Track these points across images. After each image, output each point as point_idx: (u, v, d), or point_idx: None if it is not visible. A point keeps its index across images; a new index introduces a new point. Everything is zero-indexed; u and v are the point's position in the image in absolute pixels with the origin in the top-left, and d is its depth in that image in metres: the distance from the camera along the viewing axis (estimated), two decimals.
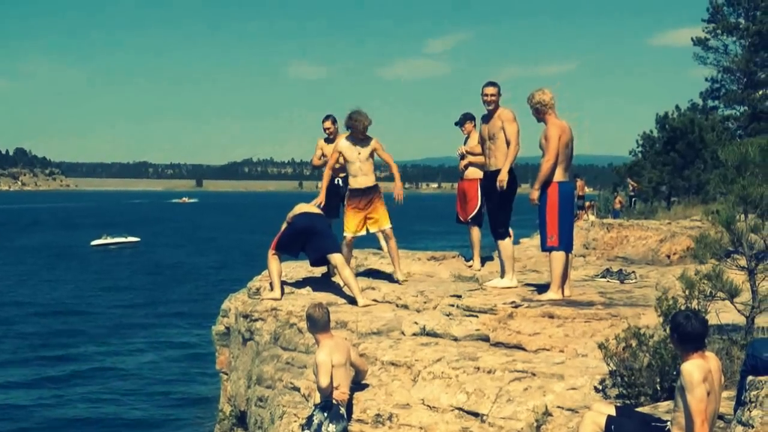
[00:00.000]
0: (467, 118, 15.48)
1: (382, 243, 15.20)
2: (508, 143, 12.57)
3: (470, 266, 15.92)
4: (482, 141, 13.12)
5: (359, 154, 13.84)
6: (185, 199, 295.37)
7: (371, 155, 13.96)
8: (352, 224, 13.88)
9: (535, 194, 11.81)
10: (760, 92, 47.34)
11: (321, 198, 14.12)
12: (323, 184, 14.24)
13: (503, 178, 12.48)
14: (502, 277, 13.14)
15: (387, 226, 14.04)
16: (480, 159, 14.39)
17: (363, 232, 14.05)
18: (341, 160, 14.00)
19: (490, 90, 12.74)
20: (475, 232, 15.60)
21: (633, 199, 41.30)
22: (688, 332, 6.95)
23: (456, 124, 15.63)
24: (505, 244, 12.92)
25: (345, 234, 13.91)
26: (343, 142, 13.91)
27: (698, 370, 6.77)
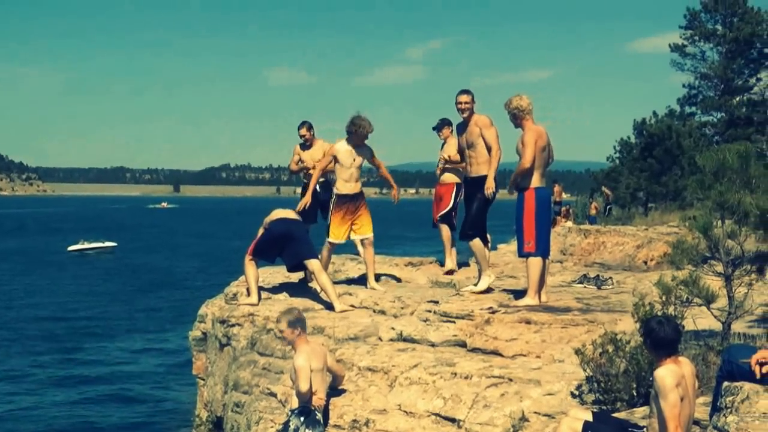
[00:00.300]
0: (445, 123, 15.49)
1: (360, 249, 15.19)
2: (489, 149, 12.54)
3: (443, 268, 15.94)
4: (461, 150, 13.10)
5: (354, 160, 13.88)
6: (164, 204, 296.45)
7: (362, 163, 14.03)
8: (339, 231, 13.94)
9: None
10: (737, 99, 47.59)
11: (307, 199, 14.08)
12: (311, 185, 14.16)
13: (491, 186, 12.47)
14: (478, 279, 13.12)
15: (370, 234, 14.10)
16: (458, 164, 14.45)
17: (345, 239, 14.12)
18: (331, 163, 13.99)
19: (464, 98, 12.71)
20: (445, 231, 15.58)
21: (608, 207, 41.43)
22: (660, 338, 6.97)
23: (434, 129, 15.64)
24: (475, 244, 12.81)
25: (330, 240, 13.92)
26: (341, 145, 13.87)
27: (671, 375, 6.78)
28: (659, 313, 8.69)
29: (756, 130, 43.48)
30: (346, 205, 13.89)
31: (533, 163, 11.73)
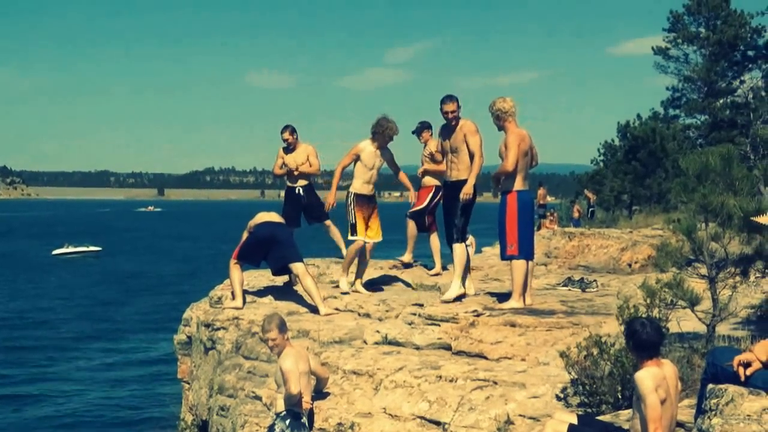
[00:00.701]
0: (425, 126, 15.43)
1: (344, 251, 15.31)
2: (471, 155, 12.46)
3: (400, 260, 15.99)
4: (444, 152, 13.05)
5: (376, 162, 13.95)
6: (151, 208, 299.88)
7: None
8: (362, 228, 13.97)
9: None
10: (721, 101, 47.66)
11: (332, 198, 14.35)
12: (334, 183, 14.19)
13: (468, 192, 12.39)
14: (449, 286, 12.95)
15: (379, 239, 14.20)
16: (439, 168, 14.47)
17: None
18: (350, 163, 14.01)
19: (450, 107, 12.54)
20: (411, 227, 15.59)
21: (591, 210, 41.45)
22: (643, 340, 6.99)
23: (413, 132, 15.57)
24: (457, 248, 12.70)
25: (359, 237, 13.89)
26: (366, 145, 13.83)
27: (651, 378, 6.80)
28: (644, 316, 8.71)
29: (740, 132, 43.52)
30: (365, 206, 13.93)
31: (516, 166, 11.76)
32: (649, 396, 6.73)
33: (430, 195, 15.24)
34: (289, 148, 15.52)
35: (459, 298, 12.67)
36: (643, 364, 7.00)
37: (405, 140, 14.95)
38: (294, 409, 9.47)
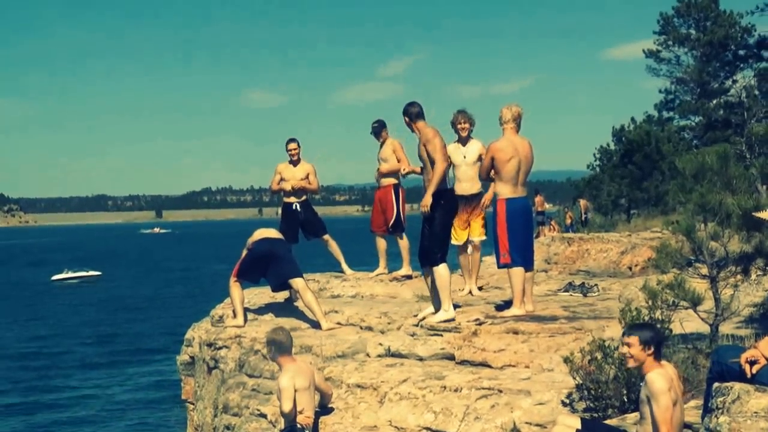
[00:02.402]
0: (383, 126, 15.32)
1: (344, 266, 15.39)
2: (433, 163, 11.75)
3: (399, 275, 15.83)
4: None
5: (465, 157, 13.71)
6: (157, 230, 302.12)
7: (479, 159, 13.41)
8: (457, 233, 13.88)
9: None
10: (714, 102, 47.74)
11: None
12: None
13: (425, 203, 11.72)
14: (436, 309, 12.16)
15: (479, 238, 14.15)
16: (395, 167, 14.88)
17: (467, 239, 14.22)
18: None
19: (405, 119, 12.02)
20: (402, 240, 15.52)
21: (585, 217, 41.46)
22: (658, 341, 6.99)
23: (372, 133, 15.42)
24: (440, 271, 11.82)
25: (453, 242, 13.59)
26: (449, 145, 13.11)
27: (663, 378, 6.77)
28: (646, 318, 8.71)
29: (734, 132, 43.50)
30: (462, 207, 13.49)
31: (499, 174, 11.78)
32: (663, 397, 6.69)
33: (393, 197, 15.20)
34: (293, 161, 15.46)
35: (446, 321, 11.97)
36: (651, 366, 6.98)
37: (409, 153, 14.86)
38: (295, 426, 9.45)
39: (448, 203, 11.97)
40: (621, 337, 7.36)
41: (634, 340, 7.07)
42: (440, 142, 11.72)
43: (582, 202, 42.78)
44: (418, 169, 12.67)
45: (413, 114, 11.91)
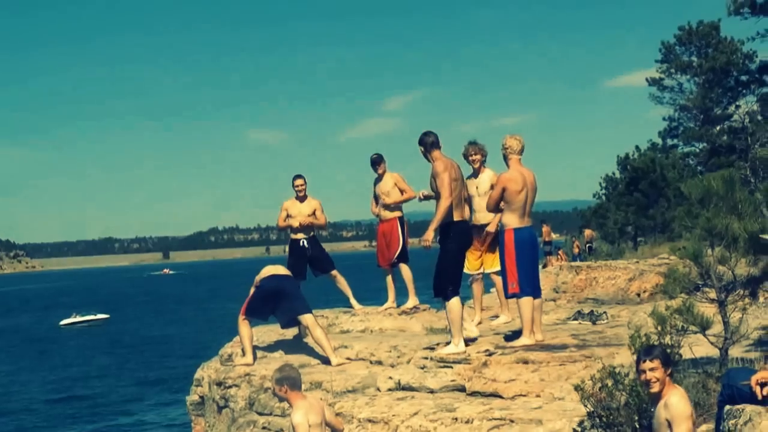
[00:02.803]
0: (381, 158, 15.36)
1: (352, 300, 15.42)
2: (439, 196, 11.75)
3: (402, 308, 15.81)
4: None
5: (477, 188, 13.78)
6: (166, 271, 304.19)
7: (491, 188, 13.18)
8: (470, 262, 13.90)
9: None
10: (718, 128, 47.82)
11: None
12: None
13: (426, 238, 11.70)
14: (448, 342, 12.17)
15: (494, 269, 14.04)
16: (399, 198, 15.05)
17: (481, 270, 14.30)
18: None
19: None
20: (405, 271, 15.47)
21: (589, 246, 41.44)
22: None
23: (371, 164, 15.44)
24: (451, 305, 11.79)
25: (466, 272, 13.54)
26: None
27: (686, 401, 6.70)
28: (656, 343, 8.69)
29: (739, 157, 43.60)
30: (476, 236, 13.61)
31: (508, 204, 11.79)
32: (687, 422, 6.60)
33: (399, 229, 15.26)
34: (300, 197, 15.46)
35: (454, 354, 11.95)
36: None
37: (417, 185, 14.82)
38: None
39: (459, 236, 11.87)
40: (638, 363, 7.29)
41: (657, 363, 7.00)
42: (448, 177, 11.62)
43: (587, 232, 42.83)
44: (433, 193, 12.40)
45: (428, 143, 11.90)
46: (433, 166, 11.80)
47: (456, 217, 11.79)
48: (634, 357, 8.67)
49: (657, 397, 7.00)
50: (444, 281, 11.80)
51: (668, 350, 8.36)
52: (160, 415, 39.95)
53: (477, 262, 14.33)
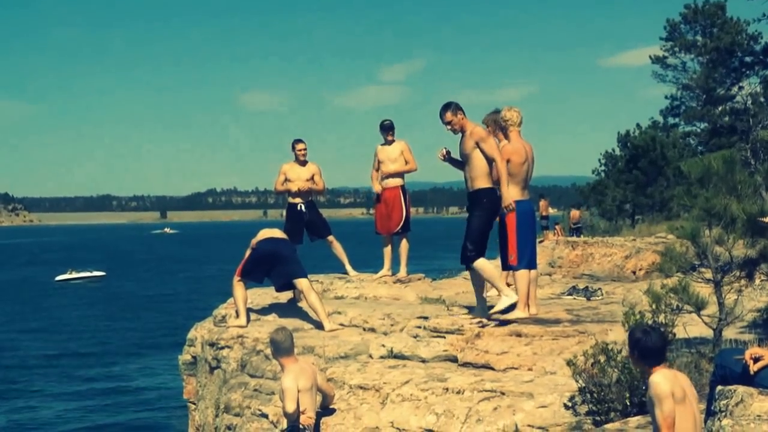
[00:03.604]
0: (393, 126, 15.34)
1: (348, 267, 15.42)
2: (491, 161, 11.55)
3: (396, 277, 15.84)
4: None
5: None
6: (167, 230, 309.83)
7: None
8: None
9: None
10: (720, 108, 47.70)
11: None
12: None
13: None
14: (480, 307, 12.04)
15: None
16: (403, 168, 15.19)
17: None
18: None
19: (447, 117, 11.71)
20: (403, 242, 15.53)
21: (576, 228, 40.74)
22: (648, 347, 6.85)
23: (383, 130, 15.40)
24: (479, 265, 11.67)
25: None
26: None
27: (666, 381, 6.67)
28: (650, 322, 8.69)
29: (740, 138, 43.50)
30: None
31: (511, 176, 11.69)
32: (665, 401, 6.58)
33: (402, 198, 15.29)
34: (301, 161, 15.42)
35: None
36: (653, 370, 6.89)
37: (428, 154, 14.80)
38: (296, 426, 9.44)
39: (490, 204, 11.69)
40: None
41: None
42: (494, 140, 11.72)
43: (573, 213, 41.92)
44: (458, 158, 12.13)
45: (459, 108, 11.73)
46: (474, 130, 11.61)
47: (487, 185, 11.65)
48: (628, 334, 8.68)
49: (648, 375, 6.99)
50: (466, 245, 11.71)
51: (662, 329, 8.36)
52: (152, 374, 40.01)
53: None
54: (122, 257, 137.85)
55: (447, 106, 11.74)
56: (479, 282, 12.01)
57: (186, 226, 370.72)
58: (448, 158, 12.22)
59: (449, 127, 11.76)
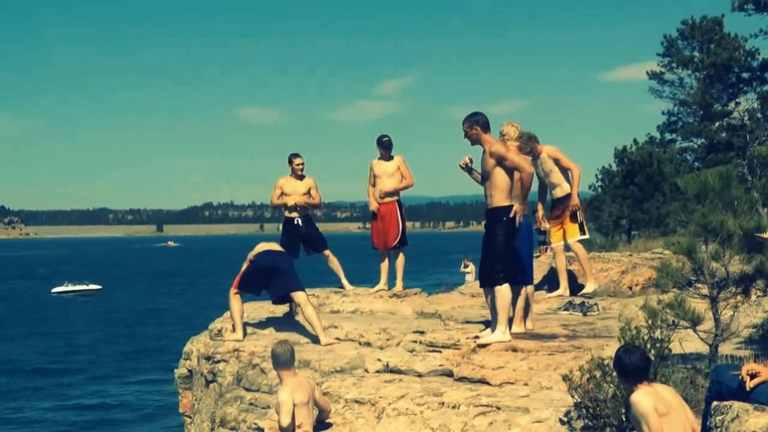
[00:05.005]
0: (392, 144, 15.43)
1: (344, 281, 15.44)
2: (513, 170, 11.22)
3: (392, 291, 15.82)
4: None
5: (542, 167, 15.01)
6: (171, 243, 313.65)
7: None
8: (553, 235, 15.46)
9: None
10: (717, 124, 47.71)
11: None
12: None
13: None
14: (493, 329, 11.54)
15: (574, 238, 15.40)
16: (400, 184, 15.33)
17: (562, 242, 15.51)
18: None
19: (464, 127, 11.40)
20: (400, 256, 15.66)
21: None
22: (626, 364, 6.97)
23: (382, 146, 15.45)
24: (501, 291, 11.23)
25: (552, 245, 15.54)
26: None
27: (647, 397, 6.73)
28: (645, 337, 8.70)
29: (736, 154, 43.52)
30: (555, 210, 15.37)
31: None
32: (650, 417, 6.64)
33: (398, 213, 15.33)
34: (298, 175, 15.45)
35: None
36: (634, 388, 6.95)
37: (436, 169, 14.82)
38: None
39: (510, 221, 11.30)
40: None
41: None
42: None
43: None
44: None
45: (483, 123, 11.40)
46: (492, 149, 11.24)
47: (507, 202, 11.28)
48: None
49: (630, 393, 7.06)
50: (494, 265, 11.27)
51: (658, 344, 8.37)
52: (148, 387, 39.96)
53: (559, 233, 15.36)
54: (118, 270, 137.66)
55: (468, 117, 11.44)
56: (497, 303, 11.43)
57: (184, 240, 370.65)
58: (467, 168, 12.06)
59: (465, 137, 11.52)
